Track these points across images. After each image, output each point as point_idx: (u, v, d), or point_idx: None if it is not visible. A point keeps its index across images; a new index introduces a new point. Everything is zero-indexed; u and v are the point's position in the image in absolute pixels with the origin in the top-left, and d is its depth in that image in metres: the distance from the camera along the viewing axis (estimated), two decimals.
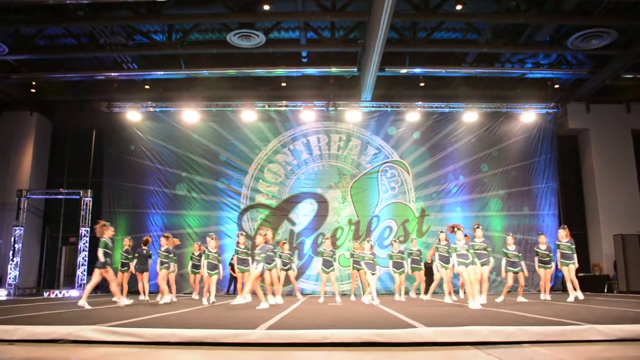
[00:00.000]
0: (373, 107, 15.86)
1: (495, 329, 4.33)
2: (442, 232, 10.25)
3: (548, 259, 10.14)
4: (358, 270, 10.88)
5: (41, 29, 13.09)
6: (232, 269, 13.74)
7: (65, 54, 14.08)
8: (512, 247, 9.79)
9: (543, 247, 10.15)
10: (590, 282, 14.15)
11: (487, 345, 4.16)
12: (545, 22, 12.16)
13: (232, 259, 13.85)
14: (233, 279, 13.88)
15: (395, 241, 11.28)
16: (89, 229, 15.21)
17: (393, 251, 11.11)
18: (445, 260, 9.91)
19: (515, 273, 9.68)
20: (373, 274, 9.67)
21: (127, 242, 11.54)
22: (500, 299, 9.72)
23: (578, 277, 14.71)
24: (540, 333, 4.30)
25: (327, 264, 10.81)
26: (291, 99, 15.94)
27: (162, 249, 10.26)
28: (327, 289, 12.14)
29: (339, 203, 15.54)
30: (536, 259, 10.26)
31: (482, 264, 8.59)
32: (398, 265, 11.10)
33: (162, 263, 10.07)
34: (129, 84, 16.26)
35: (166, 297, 9.92)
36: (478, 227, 8.84)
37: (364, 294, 11.05)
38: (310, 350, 4.12)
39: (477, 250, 8.53)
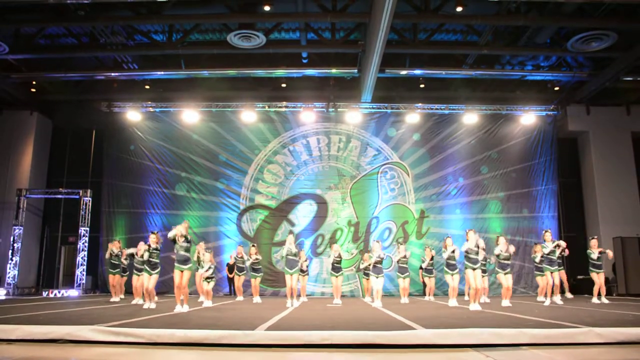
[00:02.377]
0: (373, 108, 15.84)
1: (494, 331, 4.33)
2: (448, 237, 9.58)
3: (555, 258, 9.84)
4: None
5: (42, 29, 13.07)
6: (230, 270, 13.74)
7: (65, 54, 14.05)
8: (503, 248, 9.51)
9: (550, 244, 9.81)
10: (590, 285, 14.07)
11: (486, 347, 4.16)
12: (545, 24, 12.16)
13: (229, 260, 13.85)
14: (231, 281, 13.86)
15: (400, 244, 11.04)
16: (88, 228, 15.21)
17: (400, 256, 10.85)
18: (452, 267, 9.41)
19: (506, 274, 9.45)
20: (378, 277, 9.56)
21: (117, 245, 11.48)
22: (547, 302, 9.64)
23: (578, 280, 14.69)
24: (539, 335, 4.30)
25: (337, 269, 10.63)
26: (291, 100, 15.92)
27: (154, 247, 8.92)
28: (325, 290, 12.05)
29: (339, 204, 15.52)
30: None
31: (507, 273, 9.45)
32: (403, 270, 10.99)
33: (153, 267, 8.86)
34: (129, 84, 16.25)
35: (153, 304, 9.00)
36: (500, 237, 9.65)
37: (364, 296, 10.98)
38: (309, 352, 4.11)
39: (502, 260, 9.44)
